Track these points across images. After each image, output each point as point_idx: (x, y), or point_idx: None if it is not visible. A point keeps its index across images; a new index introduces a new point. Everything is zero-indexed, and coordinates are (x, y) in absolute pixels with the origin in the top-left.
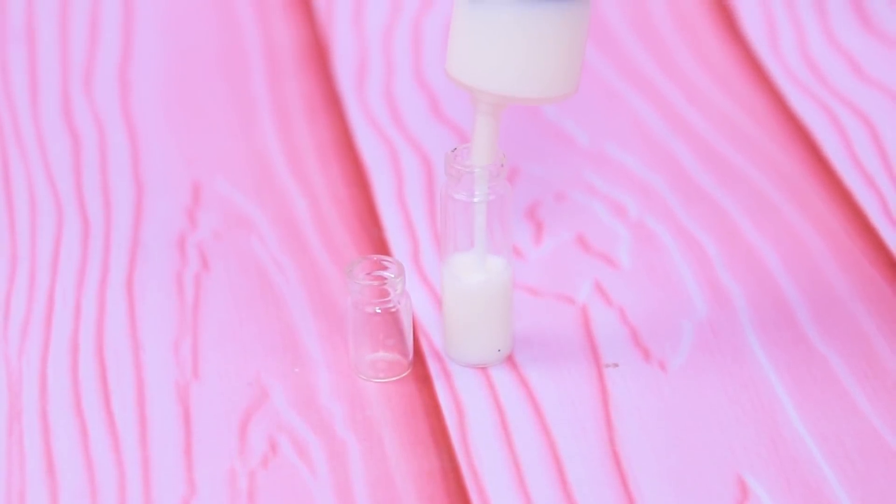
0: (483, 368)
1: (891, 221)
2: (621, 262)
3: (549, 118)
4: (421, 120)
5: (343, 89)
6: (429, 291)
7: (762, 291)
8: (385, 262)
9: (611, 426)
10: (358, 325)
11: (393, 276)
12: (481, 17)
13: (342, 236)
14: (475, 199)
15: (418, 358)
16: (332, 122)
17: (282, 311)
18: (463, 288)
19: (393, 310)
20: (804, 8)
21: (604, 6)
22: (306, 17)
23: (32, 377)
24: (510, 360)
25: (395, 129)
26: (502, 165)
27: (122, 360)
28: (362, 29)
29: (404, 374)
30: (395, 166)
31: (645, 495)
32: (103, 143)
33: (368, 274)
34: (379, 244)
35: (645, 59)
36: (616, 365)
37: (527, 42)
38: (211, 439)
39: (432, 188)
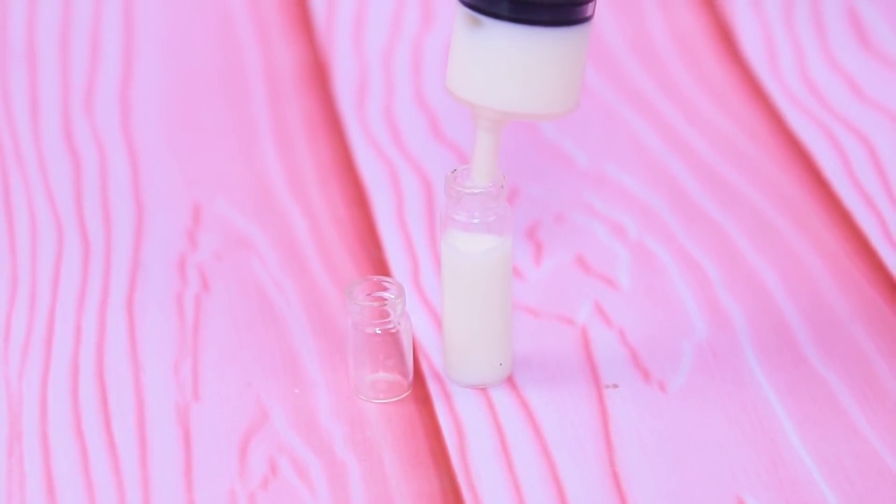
0: (483, 389)
1: (890, 242)
2: (621, 283)
3: (549, 139)
4: (421, 140)
5: (343, 110)
6: (429, 312)
7: (762, 312)
8: (385, 283)
9: (611, 447)
10: (358, 345)
11: (393, 296)
12: (481, 38)
13: (342, 257)
14: (475, 221)
15: (418, 379)
16: (332, 143)
17: (282, 331)
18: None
19: (393, 331)
20: (803, 29)
21: (603, 27)
22: (307, 37)
23: (33, 399)
24: (510, 380)
25: (395, 150)
26: (502, 187)
27: (123, 382)
28: (362, 49)
29: (404, 395)
30: (396, 187)
31: None
32: (104, 163)
33: (368, 295)
34: (379, 265)
35: (644, 80)
36: (616, 386)
37: (526, 62)
38: (211, 460)
39: (432, 209)
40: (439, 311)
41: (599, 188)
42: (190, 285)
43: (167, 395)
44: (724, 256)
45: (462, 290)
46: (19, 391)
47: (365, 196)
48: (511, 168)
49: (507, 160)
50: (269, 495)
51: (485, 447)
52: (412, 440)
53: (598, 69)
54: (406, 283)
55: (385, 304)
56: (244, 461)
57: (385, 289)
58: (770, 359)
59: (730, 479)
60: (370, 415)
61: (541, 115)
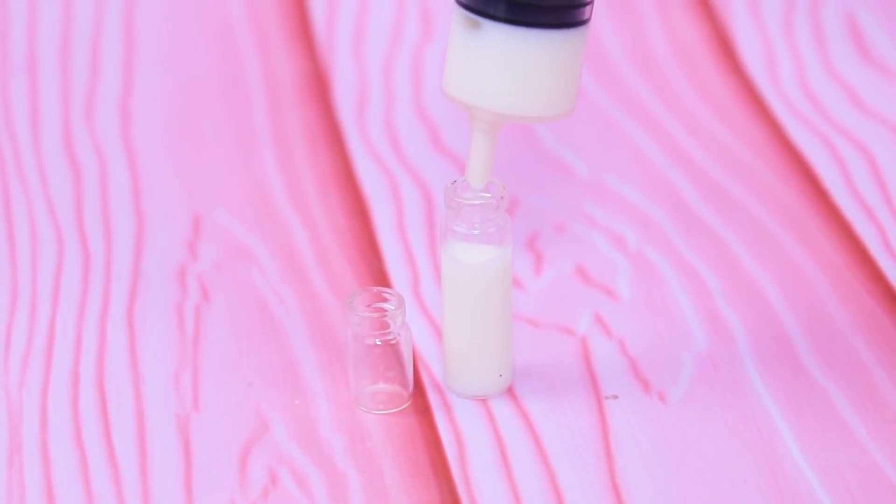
0: (483, 400)
1: (890, 253)
2: (621, 294)
3: (549, 149)
4: (421, 151)
5: (343, 120)
6: (429, 323)
7: (762, 323)
8: (385, 294)
9: (611, 458)
10: (358, 356)
11: (393, 307)
12: (477, 39)
13: (342, 267)
14: (475, 232)
15: (418, 390)
16: (332, 154)
17: (282, 342)
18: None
19: (393, 342)
20: (803, 40)
21: (603, 38)
22: (307, 48)
23: (33, 409)
24: (510, 391)
25: (395, 160)
26: (502, 197)
27: (123, 392)
28: (362, 60)
29: (404, 406)
30: (396, 197)
31: None
32: (104, 174)
33: (368, 306)
34: (379, 275)
35: (644, 90)
36: (616, 397)
37: (523, 64)
38: (211, 471)
39: (432, 219)
40: (439, 322)
41: (599, 198)
42: (190, 296)
43: (167, 406)
44: (724, 267)
45: (462, 300)
46: (19, 401)
47: (365, 207)
48: (511, 178)
49: (507, 170)
50: None
51: (485, 458)
52: (412, 451)
53: (597, 79)
54: (406, 294)
55: (385, 315)
56: (244, 472)
57: (385, 300)
58: (770, 369)
59: (729, 489)
60: (370, 426)
61: (537, 118)
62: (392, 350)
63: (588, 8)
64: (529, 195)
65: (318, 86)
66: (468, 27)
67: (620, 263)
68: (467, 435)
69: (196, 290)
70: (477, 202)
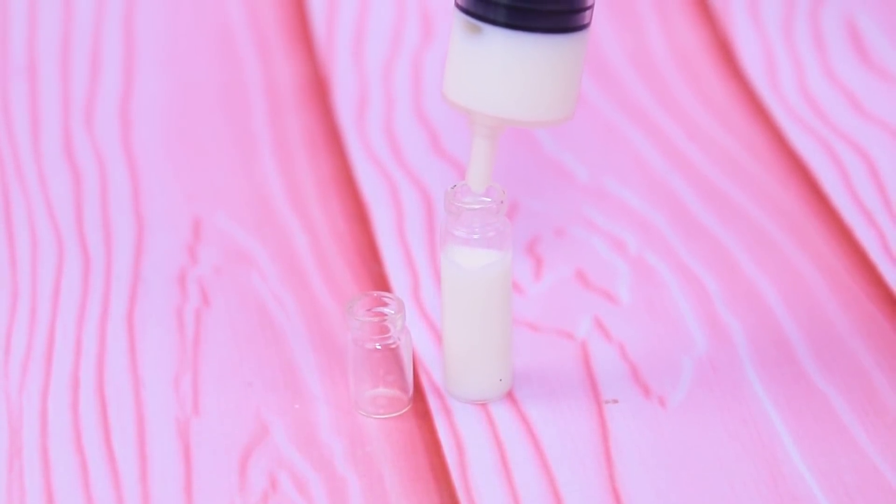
0: (483, 404)
1: (890, 258)
2: (621, 298)
3: (549, 154)
4: (421, 155)
5: (343, 125)
6: (429, 327)
7: (762, 328)
8: (385, 299)
9: (611, 462)
10: (358, 361)
11: (393, 312)
12: (478, 44)
13: (342, 272)
14: (475, 236)
15: (418, 394)
16: (332, 158)
17: (282, 346)
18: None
19: (393, 346)
20: (803, 44)
21: (603, 42)
22: (307, 53)
23: (33, 413)
24: (510, 396)
25: (395, 165)
26: (502, 202)
27: (123, 396)
28: (362, 64)
29: (404, 410)
30: (396, 201)
31: None
32: (104, 178)
33: (368, 310)
34: (379, 279)
35: (644, 95)
36: (616, 401)
37: (523, 68)
38: (211, 475)
39: (432, 223)
40: (439, 327)
41: (599, 203)
42: (190, 300)
43: (167, 410)
44: (724, 271)
45: (462, 305)
46: (19, 405)
47: (365, 211)
48: (511, 183)
49: (507, 175)
50: None
51: (485, 462)
52: (412, 455)
53: (597, 84)
54: (406, 299)
55: (385, 320)
56: (244, 476)
57: (385, 304)
58: (770, 373)
59: (729, 493)
60: (370, 430)
61: (537, 122)
62: (392, 354)
63: (588, 12)
64: (529, 199)
65: (318, 90)
66: (469, 32)
67: (620, 267)
68: (467, 439)
69: (196, 293)
70: (477, 206)
